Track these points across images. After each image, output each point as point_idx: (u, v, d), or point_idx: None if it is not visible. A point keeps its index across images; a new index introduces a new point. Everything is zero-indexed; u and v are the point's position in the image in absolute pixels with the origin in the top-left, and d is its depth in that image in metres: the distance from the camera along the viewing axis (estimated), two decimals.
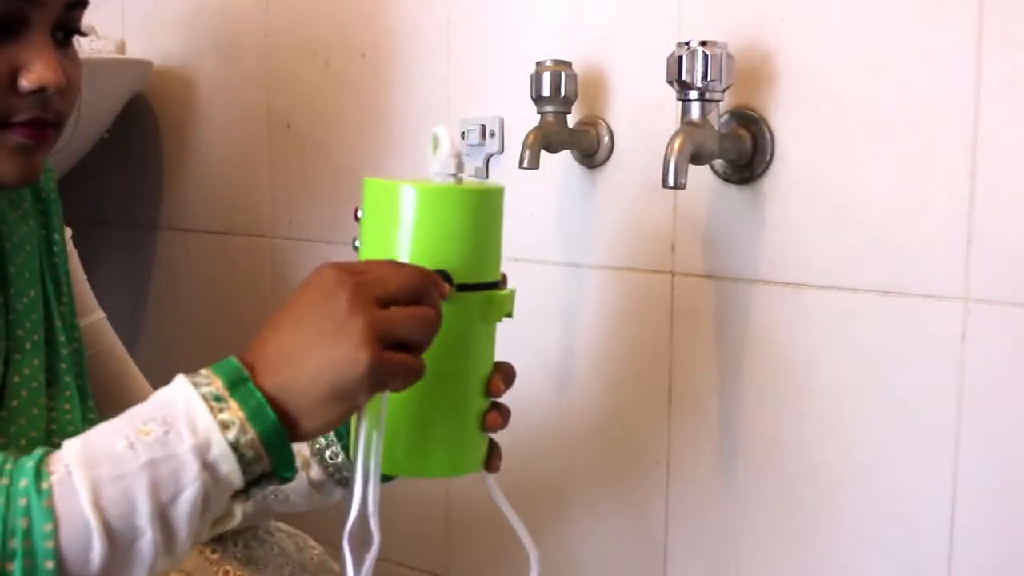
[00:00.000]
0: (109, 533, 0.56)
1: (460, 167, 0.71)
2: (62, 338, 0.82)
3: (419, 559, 1.28)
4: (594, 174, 1.09)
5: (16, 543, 0.55)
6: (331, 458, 0.83)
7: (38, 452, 0.58)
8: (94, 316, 0.93)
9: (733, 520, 1.02)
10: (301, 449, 0.82)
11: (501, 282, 0.74)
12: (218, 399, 0.59)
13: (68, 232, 0.91)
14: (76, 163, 1.48)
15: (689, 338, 1.03)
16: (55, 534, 0.55)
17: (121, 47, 1.54)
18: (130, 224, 1.58)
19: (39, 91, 0.70)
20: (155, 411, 0.59)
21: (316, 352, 0.60)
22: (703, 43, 0.89)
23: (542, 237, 1.13)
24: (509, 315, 0.74)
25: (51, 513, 0.55)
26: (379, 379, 0.61)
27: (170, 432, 0.58)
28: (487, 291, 0.71)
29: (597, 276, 1.09)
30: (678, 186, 0.86)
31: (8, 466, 0.57)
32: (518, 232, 1.15)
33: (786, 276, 0.96)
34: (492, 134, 1.15)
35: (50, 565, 0.55)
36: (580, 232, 1.10)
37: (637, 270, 1.06)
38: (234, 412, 0.58)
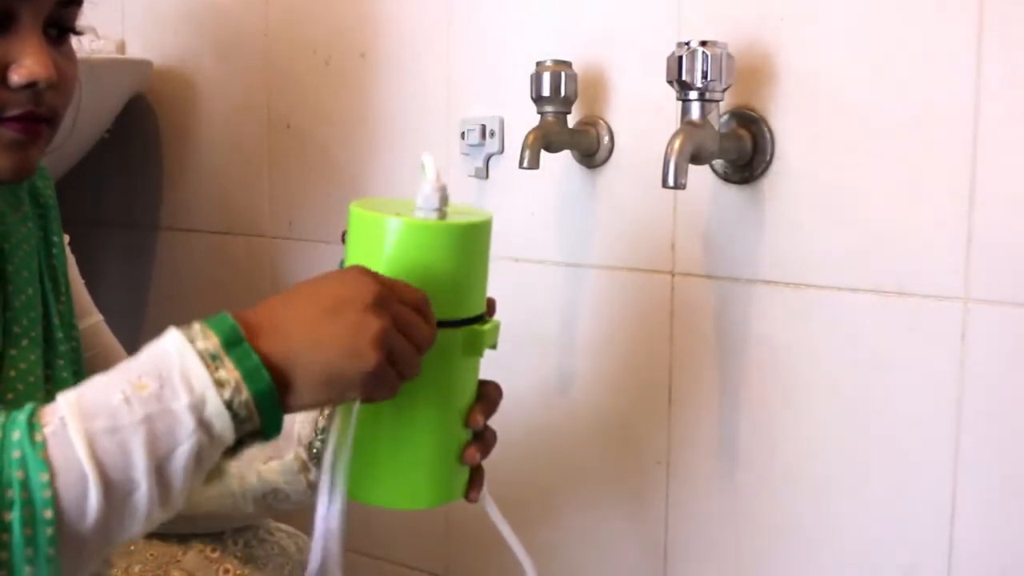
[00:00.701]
0: (106, 484, 0.56)
1: (444, 201, 0.69)
2: (60, 335, 0.83)
3: (419, 559, 1.28)
4: (594, 174, 1.08)
5: (14, 493, 0.55)
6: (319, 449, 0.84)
7: (29, 406, 0.58)
8: (92, 319, 0.93)
9: (733, 520, 1.02)
10: (299, 452, 0.83)
11: (485, 314, 0.73)
12: (214, 357, 0.59)
13: (66, 238, 0.91)
14: (76, 163, 1.48)
15: (689, 338, 1.03)
16: (52, 483, 0.55)
17: (121, 47, 1.54)
18: (130, 224, 1.58)
19: (30, 86, 0.70)
20: (150, 365, 0.59)
21: (330, 333, 0.61)
22: (703, 43, 0.89)
23: (542, 237, 1.13)
24: (493, 347, 0.72)
25: (47, 463, 0.56)
26: (375, 382, 0.62)
27: (165, 387, 0.58)
28: (469, 326, 0.70)
29: (597, 276, 1.09)
30: (678, 186, 0.86)
31: (2, 420, 0.57)
32: (518, 232, 1.15)
33: (786, 276, 0.96)
34: (492, 134, 1.15)
35: (48, 514, 0.55)
36: (580, 232, 1.10)
37: (637, 270, 1.06)
38: (230, 371, 0.59)
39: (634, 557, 1.10)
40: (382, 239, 0.68)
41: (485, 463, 0.79)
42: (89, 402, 0.58)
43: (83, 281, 0.95)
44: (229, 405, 0.59)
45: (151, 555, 0.92)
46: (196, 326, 0.61)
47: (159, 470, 0.58)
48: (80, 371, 0.84)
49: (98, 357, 0.92)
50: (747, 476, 1.00)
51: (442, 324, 0.67)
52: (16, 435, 0.56)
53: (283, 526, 0.99)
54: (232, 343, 0.60)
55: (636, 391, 1.07)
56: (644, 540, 1.08)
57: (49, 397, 0.75)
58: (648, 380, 1.06)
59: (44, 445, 0.56)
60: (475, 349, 0.71)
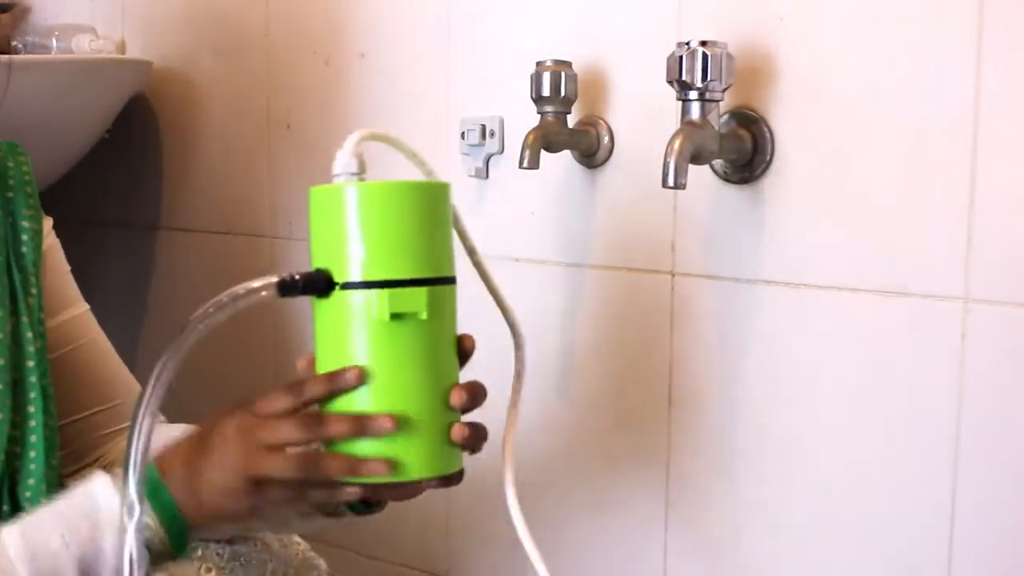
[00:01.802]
0: None
1: (362, 167, 0.72)
2: (29, 334, 0.82)
3: (419, 559, 1.28)
4: (594, 174, 1.08)
5: None
6: None
7: None
8: (78, 308, 0.92)
9: (733, 520, 1.02)
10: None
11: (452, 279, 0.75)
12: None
13: (49, 222, 0.89)
14: (76, 163, 1.48)
15: (689, 338, 1.03)
16: None
17: (121, 47, 1.54)
18: (130, 224, 1.58)
19: None
20: (85, 510, 0.70)
21: (212, 461, 0.70)
22: (703, 43, 0.89)
23: (542, 237, 1.13)
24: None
25: None
26: (255, 486, 0.70)
27: (96, 530, 0.69)
28: (445, 286, 0.74)
29: (597, 276, 1.09)
30: (678, 186, 0.86)
31: None
32: (518, 232, 1.15)
33: (786, 276, 0.96)
34: (492, 134, 1.15)
35: None
36: (580, 232, 1.10)
37: (637, 270, 1.06)
38: (150, 515, 0.69)
39: (634, 556, 1.10)
40: (327, 209, 0.71)
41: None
42: (33, 544, 0.69)
43: (69, 268, 0.92)
44: (149, 544, 0.69)
45: None
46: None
47: None
48: (46, 372, 0.83)
49: (85, 348, 0.92)
50: (747, 476, 1.00)
51: (426, 283, 0.71)
52: None
53: None
54: (155, 490, 0.70)
55: (636, 391, 1.07)
56: (644, 540, 1.08)
57: (17, 404, 0.78)
58: (648, 380, 1.06)
59: None
60: (453, 305, 0.75)
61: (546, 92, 1.02)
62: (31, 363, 0.81)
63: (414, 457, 0.71)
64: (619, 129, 1.06)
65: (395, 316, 0.70)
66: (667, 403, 1.05)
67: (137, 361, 1.26)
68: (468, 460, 1.12)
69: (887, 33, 0.89)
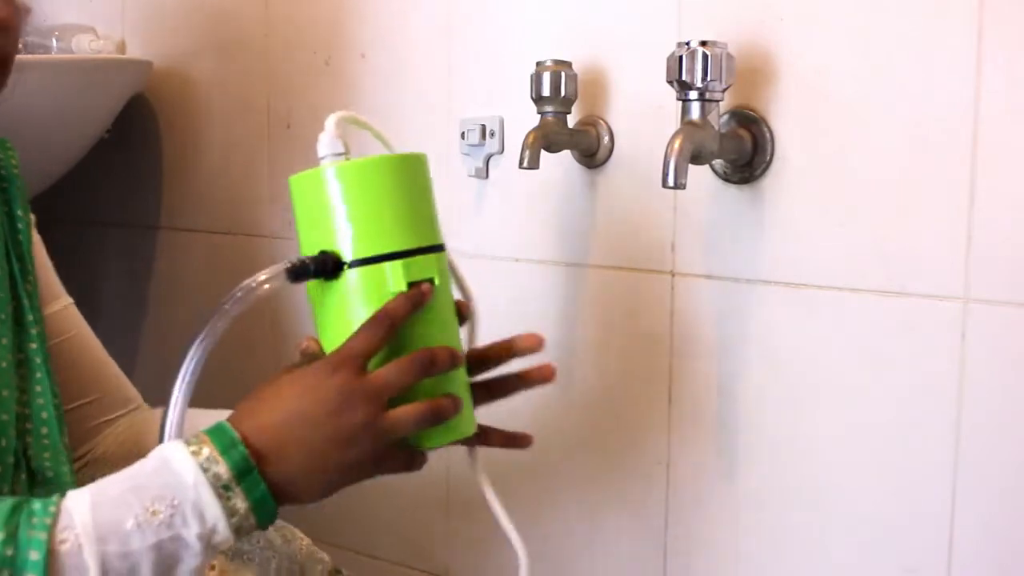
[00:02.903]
0: None
1: (347, 148, 0.73)
2: (30, 317, 0.81)
3: (419, 559, 1.28)
4: (594, 174, 1.08)
5: None
6: None
7: (45, 516, 0.61)
8: (63, 302, 0.92)
9: (733, 520, 1.02)
10: None
11: (426, 248, 0.74)
12: (226, 487, 0.63)
13: (32, 218, 0.90)
14: (76, 163, 1.48)
15: (689, 338, 1.03)
16: None
17: (121, 47, 1.54)
18: (130, 224, 1.58)
19: None
20: (164, 490, 0.63)
21: (331, 459, 0.66)
22: (703, 43, 0.89)
23: (542, 237, 1.13)
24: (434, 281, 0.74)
25: None
26: (381, 467, 0.69)
27: (176, 515, 0.62)
28: (435, 253, 0.74)
29: (597, 276, 1.09)
30: (678, 186, 0.86)
31: (20, 532, 0.60)
32: (518, 232, 1.15)
33: (786, 276, 0.96)
34: (492, 134, 1.15)
35: None
36: (580, 232, 1.10)
37: (637, 270, 1.06)
38: (240, 500, 0.64)
39: (634, 556, 1.10)
40: (317, 194, 0.72)
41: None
42: (104, 524, 0.61)
43: (51, 263, 0.93)
44: (237, 530, 0.64)
45: None
46: (205, 449, 0.64)
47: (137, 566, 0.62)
48: (47, 356, 0.83)
49: (71, 342, 0.92)
50: (747, 476, 1.00)
51: (412, 253, 0.71)
52: (34, 556, 0.59)
53: None
54: (243, 472, 0.64)
55: (636, 391, 1.07)
56: (644, 539, 1.08)
57: (23, 383, 0.75)
58: (648, 380, 1.06)
59: (60, 562, 0.60)
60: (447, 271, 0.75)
61: (546, 92, 1.02)
62: (34, 345, 0.81)
63: (465, 414, 0.76)
64: (619, 129, 1.06)
65: (410, 285, 0.71)
66: (667, 403, 1.05)
67: (137, 361, 1.27)
68: (466, 467, 1.12)
69: (887, 33, 0.89)
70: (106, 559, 0.61)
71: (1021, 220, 0.84)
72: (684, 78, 0.89)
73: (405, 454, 0.71)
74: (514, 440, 0.83)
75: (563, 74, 1.02)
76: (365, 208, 0.71)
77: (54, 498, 0.62)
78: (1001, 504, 0.87)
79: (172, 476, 0.63)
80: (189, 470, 0.63)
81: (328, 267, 0.71)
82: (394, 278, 0.71)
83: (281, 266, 0.69)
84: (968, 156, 0.86)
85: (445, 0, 1.18)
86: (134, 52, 1.53)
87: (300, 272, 0.70)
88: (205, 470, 0.63)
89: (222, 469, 0.63)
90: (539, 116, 1.04)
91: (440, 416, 0.70)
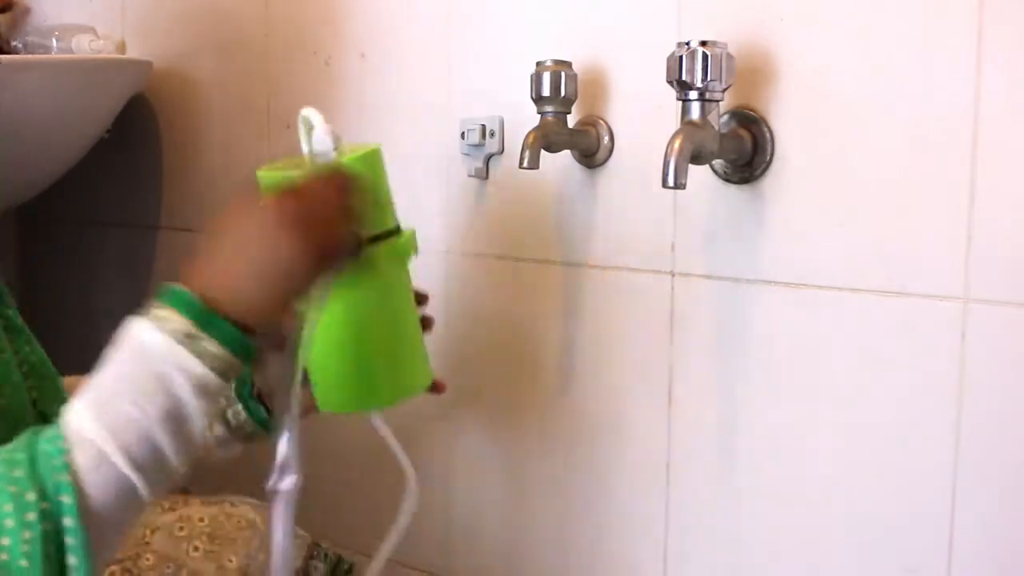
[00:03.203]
0: (151, 482, 0.64)
1: (337, 140, 0.79)
2: (10, 312, 0.84)
3: (419, 559, 1.28)
4: (594, 174, 1.09)
5: (68, 499, 0.62)
6: (233, 417, 0.94)
7: (61, 456, 0.63)
8: None
9: (733, 520, 1.02)
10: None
11: (396, 229, 0.83)
12: (191, 336, 0.66)
13: None
14: (76, 163, 1.48)
15: (689, 338, 1.03)
16: (84, 504, 0.62)
17: (121, 47, 1.54)
18: (130, 224, 1.58)
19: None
20: (145, 366, 0.66)
21: (256, 263, 0.69)
22: (703, 43, 0.89)
23: (542, 237, 1.13)
24: (415, 252, 0.84)
25: (87, 489, 0.62)
26: (317, 266, 0.70)
27: (163, 381, 0.65)
28: (392, 237, 0.81)
29: (597, 276, 1.09)
30: (678, 186, 0.86)
31: (47, 485, 0.62)
32: (518, 232, 1.15)
33: (786, 276, 0.96)
34: (492, 134, 1.15)
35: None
36: (580, 232, 1.10)
37: (637, 270, 1.06)
38: (215, 346, 0.66)
39: (634, 556, 1.10)
40: None
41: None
42: (111, 425, 0.64)
43: None
44: (222, 372, 0.67)
45: None
46: (164, 312, 0.68)
47: (184, 449, 0.66)
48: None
49: None
50: (747, 476, 1.01)
51: (376, 239, 0.78)
52: (67, 500, 0.62)
53: (249, 499, 1.00)
54: (207, 321, 0.67)
55: (636, 391, 1.07)
56: (644, 540, 1.08)
57: (14, 345, 0.80)
58: (648, 380, 1.06)
59: (93, 481, 0.63)
60: (405, 252, 0.83)
61: (546, 92, 1.02)
62: (10, 311, 0.84)
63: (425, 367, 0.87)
64: (619, 129, 1.06)
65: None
66: (667, 403, 1.05)
67: None
68: (467, 466, 1.13)
69: (887, 33, 0.89)
70: (129, 453, 0.63)
71: (1021, 220, 0.84)
72: (684, 78, 0.89)
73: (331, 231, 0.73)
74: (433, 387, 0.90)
75: (563, 74, 1.02)
76: (379, 192, 0.80)
77: (56, 430, 0.64)
78: (1001, 504, 0.87)
79: (145, 351, 0.66)
80: (158, 339, 0.66)
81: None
82: (409, 247, 0.83)
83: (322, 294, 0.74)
84: (968, 156, 0.86)
85: (445, 0, 1.18)
86: (134, 52, 1.53)
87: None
88: (171, 331, 0.66)
89: (181, 323, 0.66)
90: (539, 116, 1.04)
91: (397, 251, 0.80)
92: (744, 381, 1.00)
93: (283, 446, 0.74)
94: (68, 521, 0.61)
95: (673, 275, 1.04)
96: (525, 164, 1.00)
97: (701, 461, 1.03)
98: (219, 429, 0.95)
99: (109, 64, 1.44)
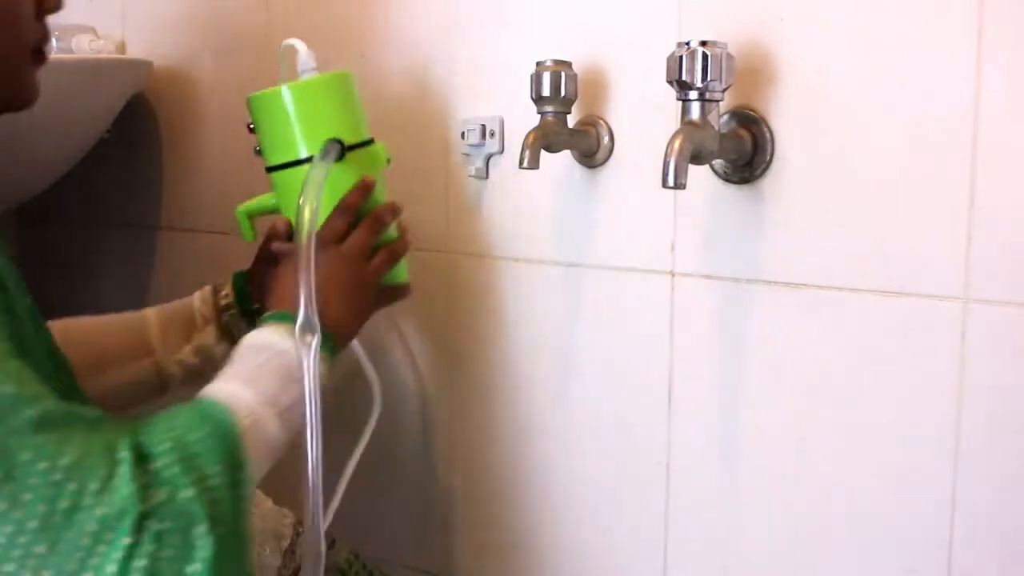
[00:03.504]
0: (287, 443, 0.84)
1: (314, 60, 0.99)
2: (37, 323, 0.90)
3: (419, 559, 1.28)
4: (594, 174, 1.09)
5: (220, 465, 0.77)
6: (238, 333, 1.06)
7: (222, 406, 0.80)
8: None
9: (733, 520, 1.02)
10: (210, 330, 1.10)
11: (371, 140, 1.02)
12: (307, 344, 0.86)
13: None
14: (76, 163, 1.48)
15: (689, 338, 1.03)
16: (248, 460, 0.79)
17: (121, 47, 1.54)
18: (130, 224, 1.58)
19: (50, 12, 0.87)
20: (285, 357, 0.87)
21: (355, 308, 0.98)
22: (703, 43, 0.89)
23: (542, 237, 1.13)
24: (389, 161, 1.04)
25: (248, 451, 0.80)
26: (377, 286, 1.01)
27: (291, 381, 0.85)
28: (370, 146, 1.01)
29: (597, 276, 1.09)
30: (678, 186, 0.86)
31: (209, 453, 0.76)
32: (518, 232, 1.15)
33: (786, 276, 0.96)
34: (492, 134, 1.15)
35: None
36: (580, 232, 1.10)
37: (637, 270, 1.06)
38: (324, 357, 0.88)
39: (634, 557, 1.10)
40: (286, 106, 0.97)
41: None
42: (264, 394, 0.83)
43: None
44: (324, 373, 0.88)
45: None
46: (281, 325, 0.88)
47: (293, 421, 0.85)
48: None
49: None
50: (747, 476, 1.01)
51: (352, 148, 0.96)
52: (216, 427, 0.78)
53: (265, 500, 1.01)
54: (331, 348, 0.90)
55: (636, 391, 1.07)
56: (644, 540, 1.08)
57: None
58: (648, 380, 1.06)
59: (252, 438, 0.80)
60: (380, 163, 1.02)
61: (546, 92, 1.02)
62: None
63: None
64: (619, 129, 1.06)
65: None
66: (667, 403, 1.05)
67: None
68: (467, 466, 1.12)
69: (887, 33, 0.89)
70: (280, 415, 0.83)
71: (1021, 220, 0.84)
72: (684, 78, 0.89)
73: (390, 289, 1.04)
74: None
75: (563, 74, 1.02)
76: (354, 106, 1.00)
77: (210, 398, 0.81)
78: (1001, 504, 0.87)
79: (283, 349, 0.87)
80: (285, 344, 0.87)
81: (342, 151, 0.94)
82: (383, 154, 1.02)
83: (331, 154, 0.93)
84: (968, 156, 0.86)
85: (445, 0, 1.18)
86: (134, 52, 1.53)
87: (338, 155, 0.94)
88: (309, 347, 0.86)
89: (311, 339, 0.86)
90: (539, 116, 1.04)
91: (397, 254, 1.01)
92: (744, 381, 1.00)
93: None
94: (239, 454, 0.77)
95: (673, 275, 1.04)
96: (525, 164, 1.00)
97: (701, 461, 1.04)
98: (225, 344, 1.08)
99: (109, 64, 1.44)
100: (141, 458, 0.73)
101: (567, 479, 1.14)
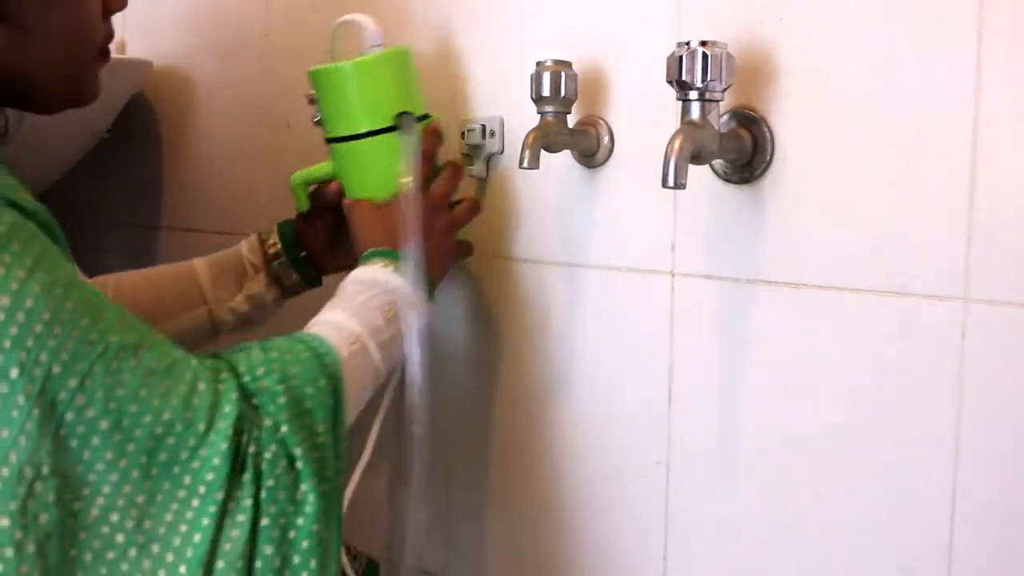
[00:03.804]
0: (384, 371, 0.93)
1: (381, 37, 1.06)
2: None
3: (419, 559, 1.28)
4: (594, 174, 1.09)
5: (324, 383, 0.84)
6: (286, 279, 1.15)
7: (322, 340, 0.87)
8: None
9: (733, 520, 1.02)
10: (260, 278, 1.15)
11: (427, 115, 1.09)
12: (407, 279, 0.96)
13: None
14: (76, 163, 1.48)
15: (689, 338, 1.03)
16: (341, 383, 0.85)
17: (121, 47, 1.54)
18: (130, 224, 1.58)
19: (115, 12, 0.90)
20: (385, 297, 0.94)
21: (443, 254, 1.07)
22: (703, 43, 0.89)
23: (542, 237, 1.13)
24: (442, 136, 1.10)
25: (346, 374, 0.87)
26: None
27: (398, 312, 0.94)
28: (427, 119, 1.08)
29: (597, 276, 1.09)
30: (678, 186, 0.86)
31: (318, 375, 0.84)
32: (518, 232, 1.15)
33: (786, 276, 0.96)
34: (492, 134, 1.15)
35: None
36: (580, 232, 1.10)
37: (637, 270, 1.06)
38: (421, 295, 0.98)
39: (634, 557, 1.10)
40: (352, 82, 1.03)
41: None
42: (367, 326, 0.91)
43: None
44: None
45: None
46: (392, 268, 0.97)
47: (396, 354, 0.94)
48: None
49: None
50: (747, 476, 1.01)
51: (419, 119, 1.05)
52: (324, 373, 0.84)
53: None
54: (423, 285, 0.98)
55: (636, 391, 1.07)
56: (644, 540, 1.08)
57: None
58: (648, 380, 1.06)
59: (352, 363, 0.88)
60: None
61: (546, 92, 1.02)
62: None
63: None
64: (619, 129, 1.06)
65: None
66: (667, 403, 1.05)
67: None
68: (467, 465, 1.11)
69: (887, 33, 0.89)
70: (381, 347, 0.91)
71: (1021, 220, 0.84)
72: (684, 78, 0.89)
73: (464, 244, 1.14)
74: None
75: (563, 74, 1.02)
76: (414, 80, 1.08)
77: (309, 332, 0.88)
78: (1001, 504, 0.87)
79: (387, 286, 0.94)
80: (395, 280, 0.95)
81: (417, 120, 1.04)
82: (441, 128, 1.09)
83: (413, 126, 1.03)
84: (968, 156, 0.86)
85: (445, 0, 1.18)
86: (134, 52, 1.53)
87: (415, 121, 1.03)
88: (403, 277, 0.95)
89: (409, 275, 0.95)
90: (539, 116, 1.04)
91: (478, 207, 1.12)
92: (744, 381, 1.00)
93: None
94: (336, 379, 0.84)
95: (673, 275, 1.04)
96: (525, 164, 1.00)
97: (701, 461, 1.04)
98: (275, 292, 1.14)
99: (109, 64, 1.44)
100: (248, 411, 0.76)
101: (567, 479, 1.14)
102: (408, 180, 0.99)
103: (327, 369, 0.83)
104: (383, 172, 1.03)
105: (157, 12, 1.50)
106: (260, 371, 0.80)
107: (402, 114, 1.03)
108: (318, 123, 1.08)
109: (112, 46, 1.51)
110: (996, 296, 0.85)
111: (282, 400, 0.79)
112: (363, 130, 1.03)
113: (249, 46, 1.39)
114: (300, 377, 0.81)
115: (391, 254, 0.97)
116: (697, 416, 1.03)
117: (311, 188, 1.13)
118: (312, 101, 1.08)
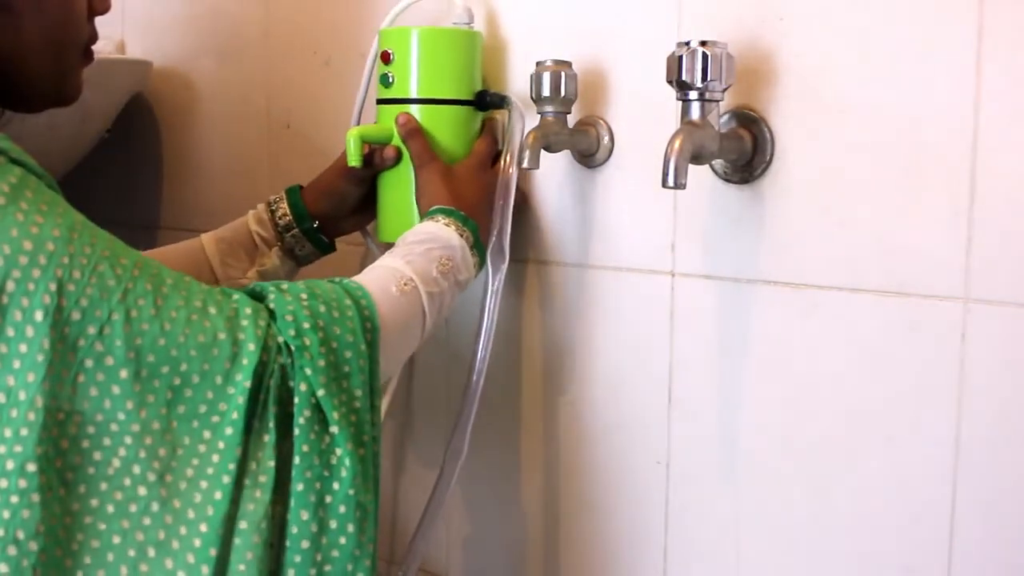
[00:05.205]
0: (431, 322, 0.94)
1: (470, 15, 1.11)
2: None
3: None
4: (594, 174, 1.09)
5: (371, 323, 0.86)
6: (300, 250, 1.15)
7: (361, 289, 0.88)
8: None
9: (733, 520, 1.02)
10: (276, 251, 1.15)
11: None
12: (471, 248, 1.00)
13: None
14: (76, 163, 1.48)
15: (689, 338, 1.03)
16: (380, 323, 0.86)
17: (121, 47, 1.54)
18: (130, 224, 1.58)
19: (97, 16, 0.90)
20: (445, 251, 0.96)
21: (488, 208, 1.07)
22: (703, 43, 0.89)
23: (542, 237, 1.13)
24: None
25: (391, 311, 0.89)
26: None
27: (455, 265, 0.97)
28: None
29: (597, 276, 1.09)
30: (678, 186, 0.86)
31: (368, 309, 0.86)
32: (518, 232, 1.15)
33: (786, 276, 0.96)
34: None
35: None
36: (580, 232, 1.10)
37: (637, 270, 1.06)
38: (473, 256, 1.01)
39: (634, 557, 1.10)
40: (443, 49, 1.09)
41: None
42: (421, 273, 0.93)
43: None
44: (472, 273, 1.01)
45: None
46: (456, 226, 1.00)
47: (442, 310, 0.96)
48: None
49: None
50: (747, 476, 1.01)
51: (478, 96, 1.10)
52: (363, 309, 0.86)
53: None
54: (475, 240, 1.01)
55: (636, 391, 1.07)
56: (644, 540, 1.08)
57: None
58: (648, 380, 1.06)
59: (405, 300, 0.90)
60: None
61: (546, 92, 1.02)
62: None
63: None
64: (619, 129, 1.06)
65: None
66: (667, 403, 1.05)
67: None
68: (467, 465, 1.12)
69: (887, 33, 0.89)
70: (431, 297, 0.92)
71: (1021, 220, 0.84)
72: (684, 78, 0.89)
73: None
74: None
75: (563, 74, 1.02)
76: (474, 63, 1.11)
77: (360, 284, 0.88)
78: (1001, 504, 0.87)
79: (447, 242, 0.97)
80: (455, 238, 0.97)
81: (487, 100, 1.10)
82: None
83: (516, 103, 1.08)
84: (968, 156, 0.86)
85: (445, 0, 1.18)
86: (134, 52, 1.53)
87: (518, 108, 1.08)
88: (462, 237, 0.98)
89: (469, 238, 0.99)
90: (539, 116, 1.04)
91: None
92: (744, 381, 1.00)
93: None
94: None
95: (673, 275, 1.04)
96: (525, 164, 1.00)
97: (701, 461, 1.04)
98: (289, 265, 1.14)
99: (109, 64, 1.44)
100: (277, 368, 0.76)
101: (567, 479, 1.14)
102: (510, 161, 1.04)
103: (369, 335, 0.83)
104: (457, 139, 1.08)
105: (157, 12, 1.50)
106: (306, 325, 0.79)
107: (501, 96, 1.09)
108: (382, 80, 1.10)
109: (112, 46, 1.52)
110: (996, 296, 0.85)
111: (322, 363, 0.77)
112: (452, 96, 1.07)
113: (249, 46, 1.39)
114: (341, 340, 0.80)
115: (455, 214, 0.99)
116: (697, 416, 1.03)
117: (365, 149, 1.09)
118: (385, 60, 1.09)
